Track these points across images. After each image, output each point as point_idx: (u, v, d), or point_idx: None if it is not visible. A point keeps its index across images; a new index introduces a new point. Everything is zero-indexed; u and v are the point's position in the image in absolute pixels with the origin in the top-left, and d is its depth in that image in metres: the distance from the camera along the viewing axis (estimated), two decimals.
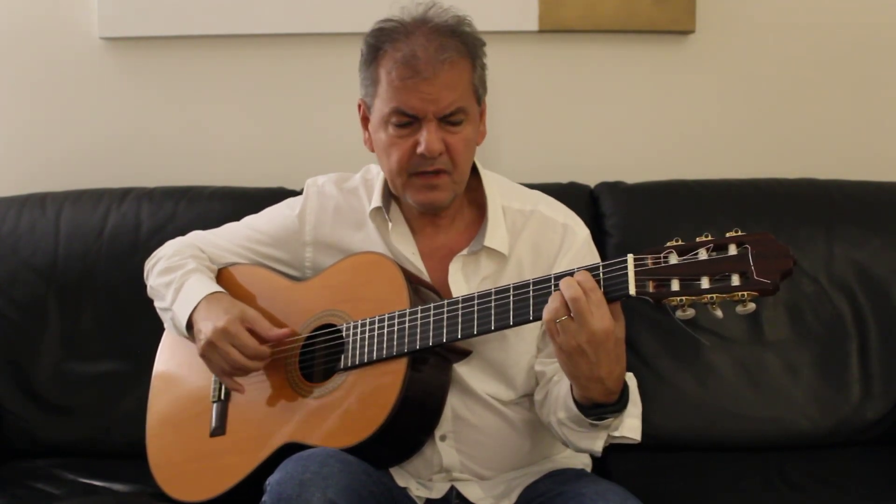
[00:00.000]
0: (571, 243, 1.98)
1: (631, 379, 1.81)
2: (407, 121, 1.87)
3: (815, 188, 2.59)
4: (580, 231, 2.01)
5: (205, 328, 1.93)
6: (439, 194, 1.92)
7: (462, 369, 1.93)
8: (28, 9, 2.80)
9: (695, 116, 2.81)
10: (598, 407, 1.74)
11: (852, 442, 2.44)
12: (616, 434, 1.80)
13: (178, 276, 2.03)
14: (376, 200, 2.00)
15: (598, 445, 1.82)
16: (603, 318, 1.64)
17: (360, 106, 1.99)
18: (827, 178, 2.61)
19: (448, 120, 1.87)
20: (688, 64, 2.79)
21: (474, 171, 2.01)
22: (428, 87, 1.84)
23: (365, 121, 1.98)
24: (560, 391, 1.84)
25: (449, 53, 1.85)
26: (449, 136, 1.88)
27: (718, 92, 2.81)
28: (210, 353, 1.94)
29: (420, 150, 1.86)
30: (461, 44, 1.88)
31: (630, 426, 1.81)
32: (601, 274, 1.67)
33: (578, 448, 1.85)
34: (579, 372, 1.68)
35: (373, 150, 1.99)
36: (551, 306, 1.66)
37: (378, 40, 1.90)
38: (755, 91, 2.80)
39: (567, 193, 2.54)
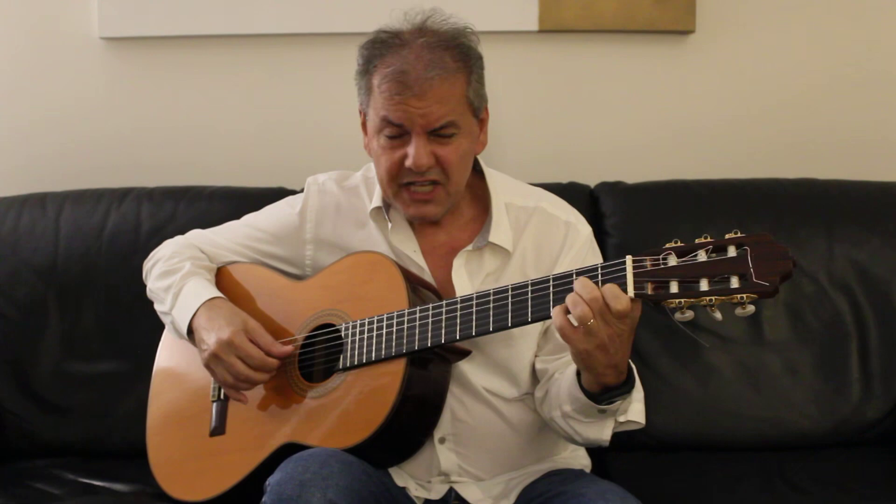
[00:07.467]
0: (574, 241, 1.98)
1: (630, 363, 1.79)
2: (397, 132, 1.87)
3: (815, 188, 2.58)
4: (583, 229, 2.01)
5: (208, 339, 1.93)
6: (430, 208, 1.93)
7: (464, 365, 1.93)
8: (28, 9, 2.80)
9: (695, 116, 2.80)
10: (608, 391, 1.74)
11: (852, 442, 2.44)
12: (622, 419, 1.80)
13: (177, 280, 2.03)
14: (377, 200, 2.00)
15: (607, 434, 1.82)
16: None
17: (361, 112, 1.99)
18: (827, 178, 2.61)
19: (438, 133, 1.86)
20: (688, 64, 2.79)
21: (477, 168, 2.01)
22: (417, 103, 1.83)
23: (364, 126, 1.98)
24: (562, 385, 1.84)
25: (438, 70, 1.83)
26: (440, 148, 1.87)
27: (718, 92, 2.80)
28: (214, 365, 1.93)
29: (408, 163, 1.86)
30: (456, 57, 1.86)
31: (636, 410, 1.82)
32: (599, 275, 1.66)
33: (586, 439, 1.84)
34: (597, 363, 1.67)
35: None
36: (578, 312, 1.61)
37: (371, 52, 1.89)
38: (755, 91, 2.80)
39: (567, 193, 2.52)
